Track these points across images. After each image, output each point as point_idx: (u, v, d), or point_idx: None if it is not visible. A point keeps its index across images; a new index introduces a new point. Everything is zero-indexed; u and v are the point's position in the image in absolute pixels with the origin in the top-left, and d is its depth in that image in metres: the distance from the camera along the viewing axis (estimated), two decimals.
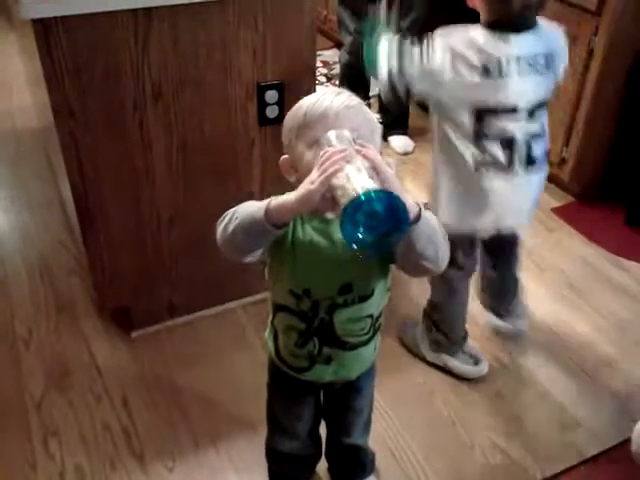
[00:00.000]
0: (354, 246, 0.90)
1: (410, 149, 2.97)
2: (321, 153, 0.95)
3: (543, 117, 1.56)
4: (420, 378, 1.86)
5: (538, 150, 1.57)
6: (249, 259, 1.06)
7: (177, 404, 1.76)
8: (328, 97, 1.04)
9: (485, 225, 1.62)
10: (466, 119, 1.49)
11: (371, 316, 1.16)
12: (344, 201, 0.89)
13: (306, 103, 1.05)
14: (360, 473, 1.50)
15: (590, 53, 2.30)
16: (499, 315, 1.98)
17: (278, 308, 1.18)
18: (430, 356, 1.88)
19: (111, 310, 2.01)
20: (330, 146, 0.97)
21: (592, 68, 2.33)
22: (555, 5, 2.33)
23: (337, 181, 0.91)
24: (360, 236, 0.89)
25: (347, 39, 2.92)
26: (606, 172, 2.60)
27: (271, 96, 1.73)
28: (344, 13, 2.88)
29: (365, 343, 1.19)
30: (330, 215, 1.04)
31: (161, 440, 1.67)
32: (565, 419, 1.76)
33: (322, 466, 1.54)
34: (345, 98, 1.05)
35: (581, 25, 2.30)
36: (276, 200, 0.98)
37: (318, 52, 3.12)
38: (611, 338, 2.02)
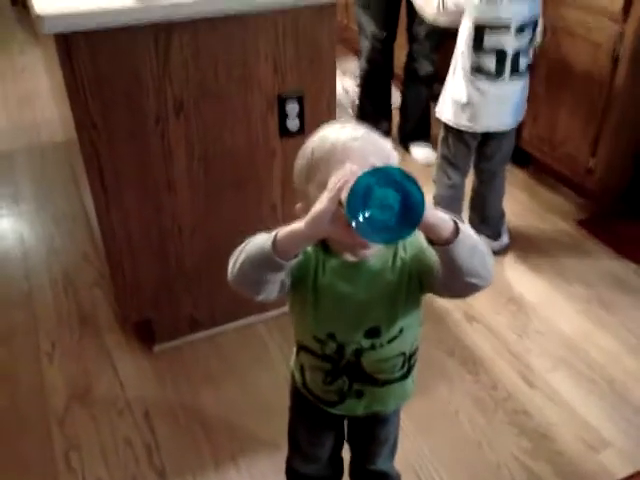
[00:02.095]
0: (354, 224, 0.80)
1: (432, 159, 2.92)
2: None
3: (528, 35, 1.99)
4: (445, 396, 1.83)
5: (523, 63, 2.02)
6: (263, 296, 0.98)
7: (199, 420, 1.75)
8: (332, 132, 0.98)
9: (469, 123, 2.09)
10: (469, 34, 1.97)
11: (403, 354, 1.11)
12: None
13: (311, 144, 0.99)
14: None
15: (615, 61, 2.26)
16: (486, 236, 2.29)
17: (302, 347, 1.14)
18: None
19: (133, 324, 2.01)
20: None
21: (618, 76, 2.28)
22: (577, 12, 2.30)
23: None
24: (365, 216, 0.80)
25: (365, 45, 2.90)
26: (632, 183, 2.55)
27: (292, 108, 1.72)
28: (363, 17, 2.86)
29: (400, 379, 1.14)
30: (351, 257, 1.00)
31: (182, 456, 1.66)
32: (593, 438, 1.71)
33: None
34: (350, 130, 0.98)
35: (605, 32, 2.26)
36: (284, 228, 0.91)
37: (338, 61, 3.12)
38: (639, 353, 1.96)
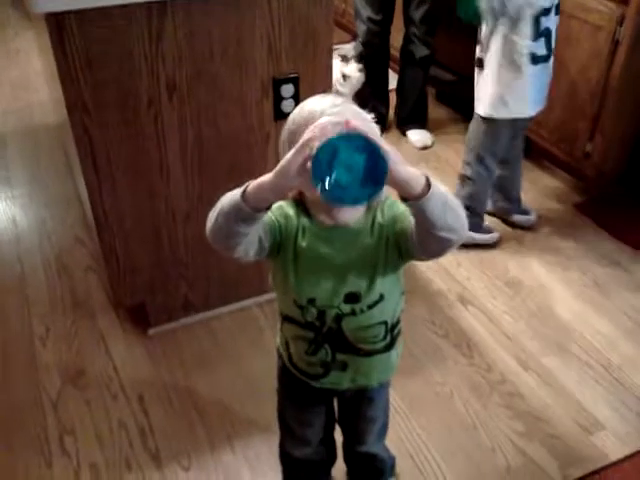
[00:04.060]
0: (319, 189, 0.83)
1: (429, 143, 2.92)
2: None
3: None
4: (439, 378, 1.83)
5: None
6: (240, 254, 0.99)
7: (193, 403, 1.74)
8: (312, 101, 1.01)
9: (524, 110, 2.11)
10: (529, 23, 1.94)
11: (385, 322, 1.11)
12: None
13: (292, 114, 1.02)
14: (378, 479, 1.47)
15: (615, 44, 2.23)
16: (511, 213, 2.39)
17: (285, 318, 1.15)
18: None
19: (127, 307, 2.00)
20: None
21: (617, 60, 2.26)
22: None
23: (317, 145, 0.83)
24: (330, 179, 0.82)
25: (361, 28, 2.87)
26: (630, 166, 2.54)
27: (287, 90, 1.70)
28: (359, 1, 2.83)
29: (383, 350, 1.14)
30: (328, 221, 1.01)
31: (177, 439, 1.66)
32: (588, 421, 1.71)
33: (342, 469, 1.52)
34: (330, 99, 1.00)
35: (605, 15, 2.24)
36: (255, 180, 0.92)
37: (336, 46, 3.08)
38: (636, 338, 1.96)
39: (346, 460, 1.46)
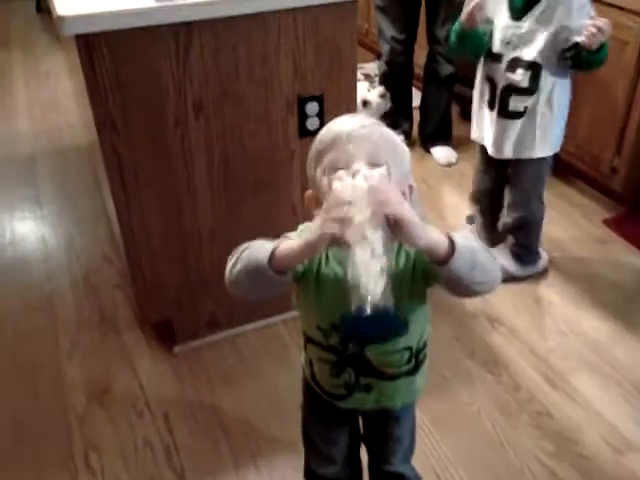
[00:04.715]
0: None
1: (453, 160, 2.91)
2: (330, 197, 0.89)
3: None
4: (466, 397, 1.80)
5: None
6: (257, 298, 1.04)
7: (218, 421, 1.74)
8: (342, 120, 1.01)
9: None
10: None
11: (409, 348, 1.09)
12: (352, 298, 0.85)
13: (321, 132, 1.03)
14: None
15: None
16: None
17: (308, 339, 1.14)
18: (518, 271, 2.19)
19: (153, 324, 2.01)
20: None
21: None
22: (604, 9, 2.26)
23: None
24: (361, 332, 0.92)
25: (385, 48, 2.89)
26: None
27: (311, 108, 1.71)
28: (382, 21, 2.85)
29: (407, 374, 1.12)
30: None
31: (202, 458, 1.65)
32: (619, 441, 1.67)
33: None
34: (359, 119, 1.01)
35: (631, 29, 2.22)
36: (283, 245, 0.94)
37: (360, 65, 3.10)
38: None
39: (372, 479, 1.44)
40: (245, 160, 1.72)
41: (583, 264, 2.29)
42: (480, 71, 2.01)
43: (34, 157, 3.08)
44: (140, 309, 1.92)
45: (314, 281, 1.04)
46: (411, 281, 1.01)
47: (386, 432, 1.27)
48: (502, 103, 1.92)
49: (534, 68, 1.85)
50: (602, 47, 1.76)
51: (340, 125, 1.00)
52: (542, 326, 2.04)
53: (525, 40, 1.84)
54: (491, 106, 1.97)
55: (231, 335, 2.00)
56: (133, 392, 1.84)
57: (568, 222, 2.50)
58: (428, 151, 2.99)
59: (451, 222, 2.49)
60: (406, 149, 1.03)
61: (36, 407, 1.80)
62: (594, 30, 1.71)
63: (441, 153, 2.93)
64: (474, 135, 2.12)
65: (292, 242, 0.94)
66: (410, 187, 1.03)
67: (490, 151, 2.04)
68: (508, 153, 1.99)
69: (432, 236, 0.88)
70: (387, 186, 0.92)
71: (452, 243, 0.88)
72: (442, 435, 1.69)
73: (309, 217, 1.09)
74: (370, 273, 0.83)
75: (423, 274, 1.00)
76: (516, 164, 2.04)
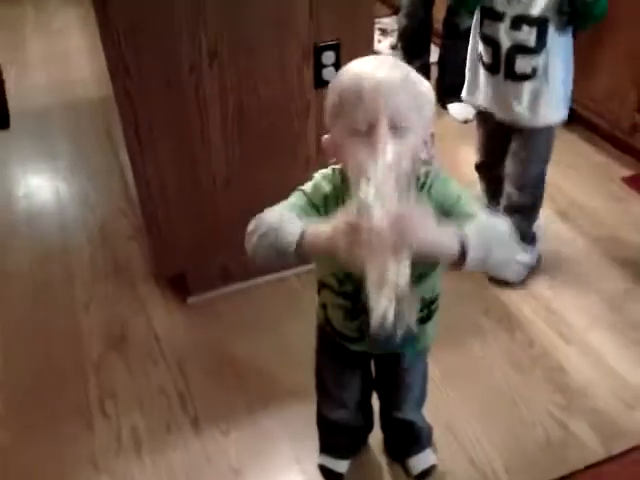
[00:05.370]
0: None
1: (471, 117, 2.85)
2: (352, 220, 0.87)
3: None
4: (479, 352, 1.80)
5: None
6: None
7: (232, 370, 1.76)
8: (367, 71, 0.94)
9: None
10: None
11: (422, 299, 1.09)
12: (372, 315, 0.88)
13: (344, 78, 0.96)
14: (414, 447, 1.46)
15: None
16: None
17: (323, 285, 1.14)
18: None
19: (168, 276, 2.02)
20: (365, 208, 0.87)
21: None
22: None
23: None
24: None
25: (404, 0, 2.83)
26: None
27: (328, 57, 1.68)
28: None
29: (419, 323, 1.09)
30: None
31: (216, 405, 1.67)
32: (631, 396, 1.67)
33: (378, 436, 1.51)
34: (387, 70, 0.94)
35: None
36: (310, 235, 0.95)
37: (377, 19, 3.04)
38: None
39: (383, 427, 1.46)
40: (260, 110, 1.70)
41: (601, 223, 2.26)
42: (476, 32, 1.83)
43: (47, 112, 3.06)
44: (155, 261, 1.93)
45: None
46: None
47: (397, 378, 1.28)
48: (508, 65, 1.77)
49: (540, 24, 1.71)
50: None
51: (365, 81, 0.92)
52: (557, 282, 2.03)
53: None
54: (494, 69, 1.80)
55: (245, 287, 2.00)
56: (148, 341, 1.85)
57: (587, 180, 2.46)
58: (445, 107, 2.94)
59: (467, 180, 2.46)
60: (430, 94, 0.99)
61: (52, 355, 1.83)
62: None
63: (458, 109, 2.89)
64: (470, 100, 1.96)
65: (319, 234, 0.93)
66: (432, 135, 1.01)
67: (499, 115, 1.87)
68: (522, 117, 1.82)
69: (442, 240, 0.90)
70: (410, 212, 0.88)
71: (463, 245, 0.90)
72: (454, 388, 1.70)
73: (324, 163, 1.08)
74: (386, 302, 0.87)
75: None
76: (525, 134, 1.87)
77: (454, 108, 2.90)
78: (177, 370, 1.77)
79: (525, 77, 1.77)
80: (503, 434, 1.59)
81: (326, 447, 1.47)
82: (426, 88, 0.99)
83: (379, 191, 0.87)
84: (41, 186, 2.59)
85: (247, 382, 1.72)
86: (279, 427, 1.61)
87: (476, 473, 1.51)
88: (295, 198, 1.03)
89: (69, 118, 3.00)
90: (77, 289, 2.05)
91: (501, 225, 0.97)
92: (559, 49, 1.75)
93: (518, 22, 1.71)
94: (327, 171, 1.06)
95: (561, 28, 1.72)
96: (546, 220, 2.28)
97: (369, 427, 1.47)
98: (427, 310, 1.13)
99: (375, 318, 0.87)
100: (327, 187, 1.04)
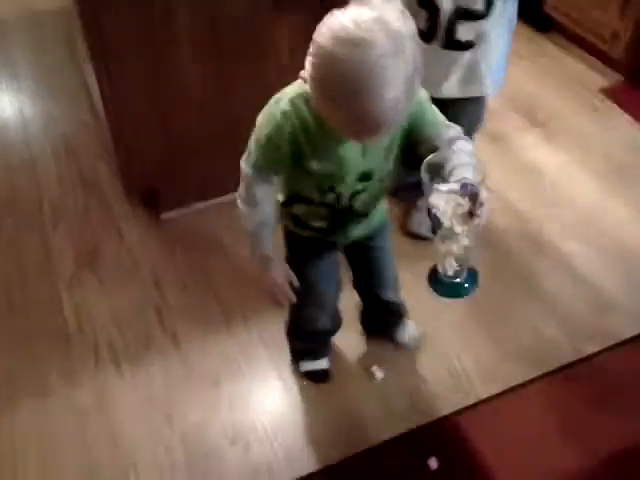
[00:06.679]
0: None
1: None
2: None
3: None
4: None
5: None
6: None
7: (209, 285, 1.75)
8: (356, 57, 0.83)
9: None
10: None
11: (382, 180, 1.16)
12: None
13: (332, 59, 0.85)
14: (400, 320, 1.58)
15: None
16: None
17: (298, 199, 1.17)
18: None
19: (139, 192, 1.97)
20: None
21: None
22: None
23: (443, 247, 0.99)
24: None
25: None
26: None
27: None
28: None
29: (374, 200, 1.22)
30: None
31: (193, 319, 1.67)
32: (602, 301, 1.71)
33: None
34: (382, 48, 0.83)
35: None
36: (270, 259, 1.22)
37: None
38: None
39: (368, 308, 1.55)
40: (227, 25, 1.61)
41: (577, 133, 2.24)
42: None
43: (5, 25, 2.89)
44: (124, 176, 1.88)
45: (310, 154, 1.04)
46: (400, 145, 1.09)
47: (371, 258, 1.37)
48: (448, 32, 1.47)
49: None
50: None
51: (358, 70, 0.83)
52: (533, 194, 2.02)
53: None
54: (428, 37, 1.48)
55: (219, 203, 1.96)
56: (121, 258, 1.83)
57: (563, 89, 2.42)
58: None
59: None
60: (406, 28, 0.87)
61: (23, 277, 1.79)
62: None
63: None
64: None
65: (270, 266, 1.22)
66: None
67: (428, 91, 1.70)
68: (453, 91, 1.58)
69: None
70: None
71: None
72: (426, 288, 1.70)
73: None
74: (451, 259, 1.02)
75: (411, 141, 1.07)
76: (457, 104, 1.58)
77: None
78: (153, 286, 1.75)
79: (466, 46, 1.50)
80: (478, 340, 1.62)
81: (305, 354, 1.53)
82: (405, 28, 0.87)
83: None
84: (3, 104, 2.48)
85: (224, 296, 1.72)
86: (256, 339, 1.62)
87: (450, 379, 1.54)
88: (259, 157, 1.07)
89: (29, 32, 2.85)
90: (45, 205, 2.00)
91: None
92: (507, 11, 1.50)
93: None
94: (285, 107, 1.00)
95: None
96: (524, 128, 2.26)
97: (339, 327, 1.53)
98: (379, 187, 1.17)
99: (442, 272, 1.04)
100: (288, 127, 1.00)
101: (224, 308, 1.69)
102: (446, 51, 1.50)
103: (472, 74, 1.55)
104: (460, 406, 1.49)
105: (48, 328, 1.66)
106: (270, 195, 1.15)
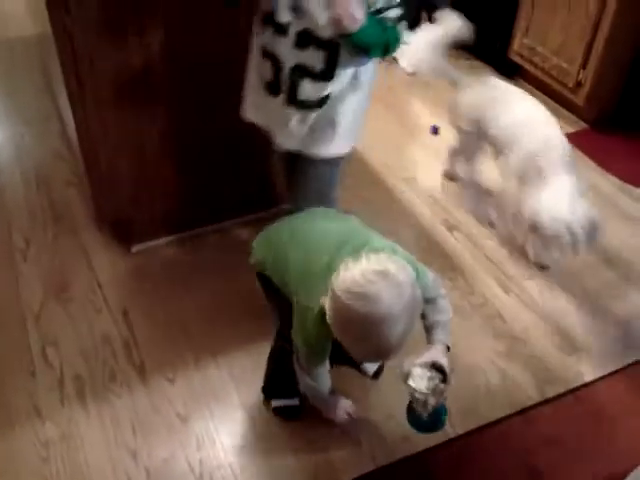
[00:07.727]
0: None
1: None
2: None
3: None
4: None
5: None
6: None
7: (177, 319, 1.74)
8: (366, 309, 1.07)
9: None
10: None
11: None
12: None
13: (349, 311, 1.08)
14: None
15: None
16: None
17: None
18: None
19: (111, 223, 1.96)
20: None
21: None
22: None
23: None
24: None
25: None
26: (622, 99, 2.52)
27: None
28: None
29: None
30: None
31: (162, 353, 1.66)
32: (566, 343, 1.75)
33: None
34: (387, 300, 1.06)
35: None
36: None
37: None
38: (618, 266, 1.99)
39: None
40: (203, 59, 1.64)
41: None
42: (255, 43, 1.45)
43: None
44: (96, 206, 1.87)
45: None
46: None
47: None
48: (291, 88, 1.41)
49: (330, 48, 1.35)
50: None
51: (375, 333, 1.08)
52: (498, 234, 2.07)
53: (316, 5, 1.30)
54: (274, 91, 1.43)
55: (189, 236, 1.97)
56: (91, 289, 1.82)
57: None
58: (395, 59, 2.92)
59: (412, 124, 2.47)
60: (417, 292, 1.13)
61: None
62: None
63: (407, 61, 2.86)
64: (252, 117, 1.55)
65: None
66: None
67: (276, 141, 1.53)
68: (297, 145, 1.50)
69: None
70: None
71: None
72: None
73: None
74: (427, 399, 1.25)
75: None
76: (302, 161, 1.54)
77: (403, 61, 2.88)
78: (121, 319, 1.74)
79: (310, 106, 1.43)
80: None
81: (281, 393, 1.53)
82: (404, 276, 1.10)
83: None
84: None
85: (193, 330, 1.72)
86: (225, 375, 1.62)
87: None
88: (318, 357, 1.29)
89: (2, 58, 2.84)
90: (14, 235, 1.98)
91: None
92: (359, 75, 1.43)
93: (304, 40, 1.35)
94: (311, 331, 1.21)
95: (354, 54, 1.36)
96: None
97: None
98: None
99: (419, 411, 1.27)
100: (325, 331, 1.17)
101: (193, 343, 1.68)
102: (291, 107, 1.43)
103: (318, 134, 1.47)
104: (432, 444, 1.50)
105: (14, 361, 1.63)
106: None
